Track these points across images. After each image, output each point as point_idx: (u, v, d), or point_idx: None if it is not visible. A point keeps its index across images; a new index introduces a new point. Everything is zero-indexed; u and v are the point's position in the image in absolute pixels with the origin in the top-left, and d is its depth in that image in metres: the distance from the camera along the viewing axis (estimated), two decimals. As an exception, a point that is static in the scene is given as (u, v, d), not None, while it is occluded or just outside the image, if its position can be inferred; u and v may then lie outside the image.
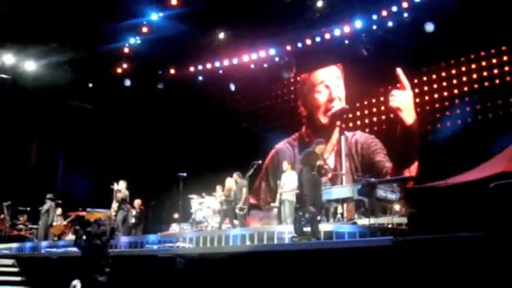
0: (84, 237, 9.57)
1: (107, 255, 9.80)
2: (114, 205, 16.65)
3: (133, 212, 17.54)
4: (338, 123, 19.55)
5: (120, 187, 16.70)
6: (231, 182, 15.22)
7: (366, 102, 19.06)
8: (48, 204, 18.71)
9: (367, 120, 18.99)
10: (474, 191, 7.12)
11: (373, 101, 18.86)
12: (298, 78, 21.41)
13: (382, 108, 18.52)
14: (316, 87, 20.63)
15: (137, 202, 17.87)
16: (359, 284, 8.27)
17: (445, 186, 7.49)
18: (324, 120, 20.11)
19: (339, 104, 19.67)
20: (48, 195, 18.89)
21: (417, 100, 17.43)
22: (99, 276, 9.18)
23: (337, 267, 8.64)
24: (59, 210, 19.33)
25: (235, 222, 14.97)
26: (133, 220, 17.49)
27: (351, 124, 19.31)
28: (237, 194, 14.83)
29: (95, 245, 9.41)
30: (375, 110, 18.78)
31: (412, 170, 16.75)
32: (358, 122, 19.23)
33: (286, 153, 20.63)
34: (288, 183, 14.01)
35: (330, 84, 20.18)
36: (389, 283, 7.77)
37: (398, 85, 17.69)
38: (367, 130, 18.86)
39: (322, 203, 12.46)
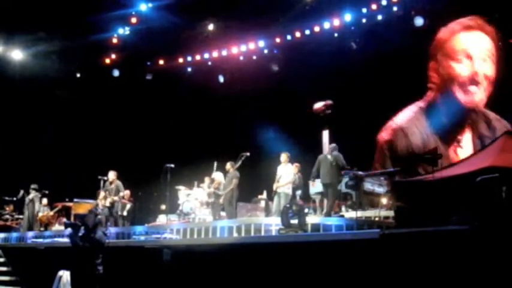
0: (82, 230, 9.38)
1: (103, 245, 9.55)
2: (102, 196, 16.53)
3: (128, 206, 17.48)
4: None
5: (110, 178, 16.37)
6: (220, 175, 15.16)
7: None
8: (33, 194, 18.61)
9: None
10: (461, 185, 7.13)
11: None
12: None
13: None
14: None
15: (127, 193, 17.73)
16: (345, 277, 8.29)
17: (433, 180, 7.49)
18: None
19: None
20: (33, 186, 18.78)
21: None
22: (98, 265, 9.04)
23: (324, 259, 8.65)
24: (45, 201, 19.22)
25: (222, 214, 14.91)
26: (125, 213, 17.42)
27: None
28: (225, 184, 14.70)
29: (93, 236, 9.23)
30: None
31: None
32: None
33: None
34: (285, 176, 13.85)
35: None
36: (375, 276, 7.79)
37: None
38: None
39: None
